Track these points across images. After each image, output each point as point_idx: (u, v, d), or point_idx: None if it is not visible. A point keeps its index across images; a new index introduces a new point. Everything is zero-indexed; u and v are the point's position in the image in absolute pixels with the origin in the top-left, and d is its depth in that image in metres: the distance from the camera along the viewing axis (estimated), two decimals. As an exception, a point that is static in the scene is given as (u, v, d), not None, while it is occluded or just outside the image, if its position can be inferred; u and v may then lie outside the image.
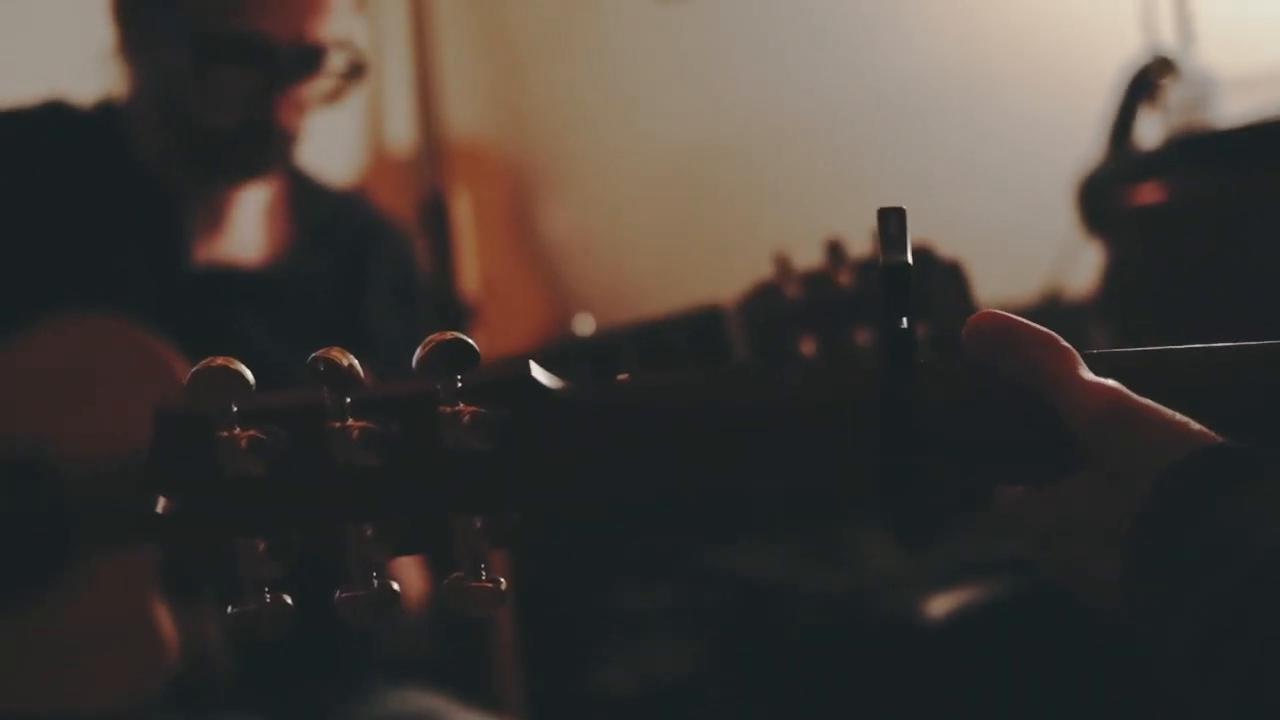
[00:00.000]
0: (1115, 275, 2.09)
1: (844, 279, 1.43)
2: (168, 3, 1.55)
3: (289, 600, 0.69)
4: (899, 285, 0.68)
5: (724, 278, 3.61)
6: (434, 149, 3.55)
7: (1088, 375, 0.68)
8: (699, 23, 3.63)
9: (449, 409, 0.67)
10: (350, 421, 0.67)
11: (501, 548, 0.69)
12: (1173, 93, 2.24)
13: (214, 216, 1.69)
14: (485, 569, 0.68)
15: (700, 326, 1.45)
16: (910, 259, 0.69)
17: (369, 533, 0.68)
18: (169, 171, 1.66)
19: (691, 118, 3.68)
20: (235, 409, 0.67)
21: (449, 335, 0.66)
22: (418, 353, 0.66)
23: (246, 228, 1.71)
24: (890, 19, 3.40)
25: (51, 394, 1.56)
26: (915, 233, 1.47)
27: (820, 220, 3.40)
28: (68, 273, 1.63)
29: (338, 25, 1.57)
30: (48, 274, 1.62)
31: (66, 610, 1.54)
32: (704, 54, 3.66)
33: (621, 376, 0.71)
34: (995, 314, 0.70)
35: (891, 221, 0.70)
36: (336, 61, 1.59)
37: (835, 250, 1.44)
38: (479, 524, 0.68)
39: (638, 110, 3.75)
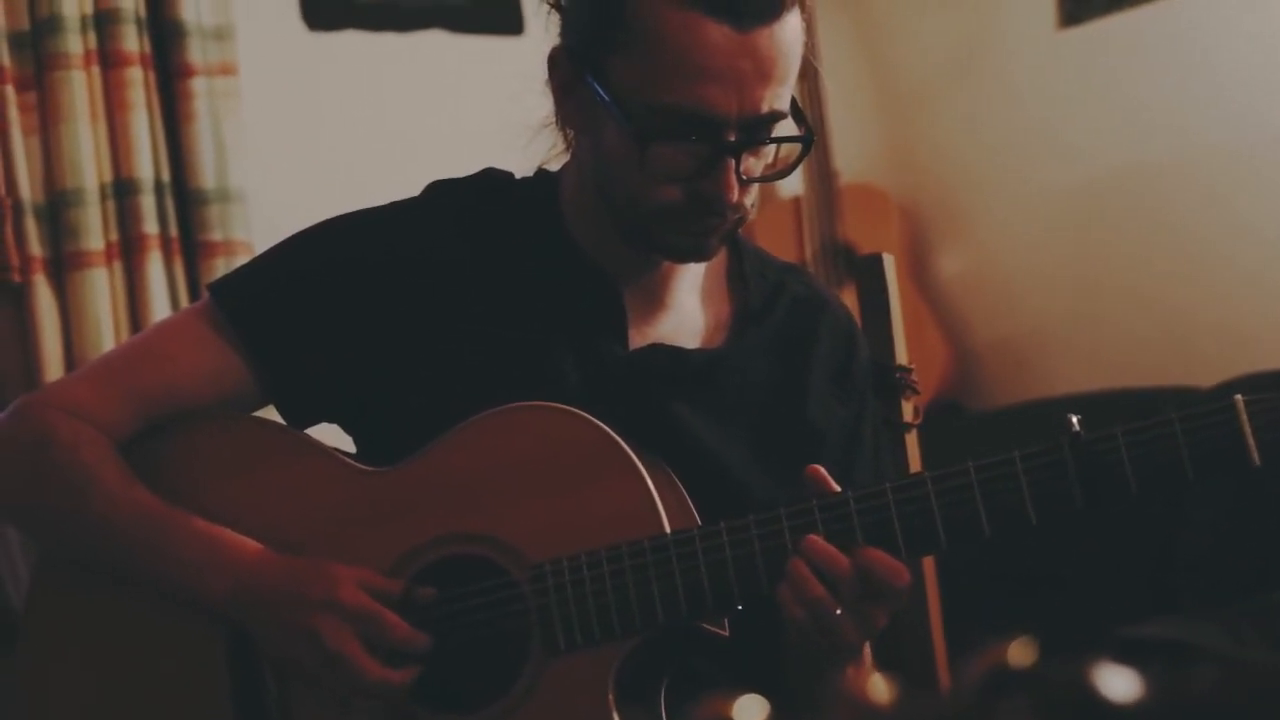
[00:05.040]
0: None
1: None
2: (610, 77, 1.48)
3: None
4: None
5: (1134, 321, 3.36)
6: (828, 196, 3.43)
7: None
8: (1106, 45, 3.38)
9: None
10: None
11: None
12: None
13: (651, 294, 1.61)
14: None
15: (1208, 420, 1.35)
16: None
17: None
18: (605, 248, 1.59)
19: (1100, 150, 3.42)
20: None
21: (999, 657, 0.59)
22: (964, 673, 0.58)
23: (685, 306, 1.63)
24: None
25: (504, 488, 1.50)
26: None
27: (1254, 263, 3.12)
28: (506, 351, 1.57)
29: (784, 95, 1.48)
30: (487, 350, 1.56)
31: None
32: (1112, 79, 3.40)
33: (1203, 678, 0.58)
34: None
35: None
36: (783, 133, 1.51)
37: None
38: None
39: (1039, 144, 3.52)
